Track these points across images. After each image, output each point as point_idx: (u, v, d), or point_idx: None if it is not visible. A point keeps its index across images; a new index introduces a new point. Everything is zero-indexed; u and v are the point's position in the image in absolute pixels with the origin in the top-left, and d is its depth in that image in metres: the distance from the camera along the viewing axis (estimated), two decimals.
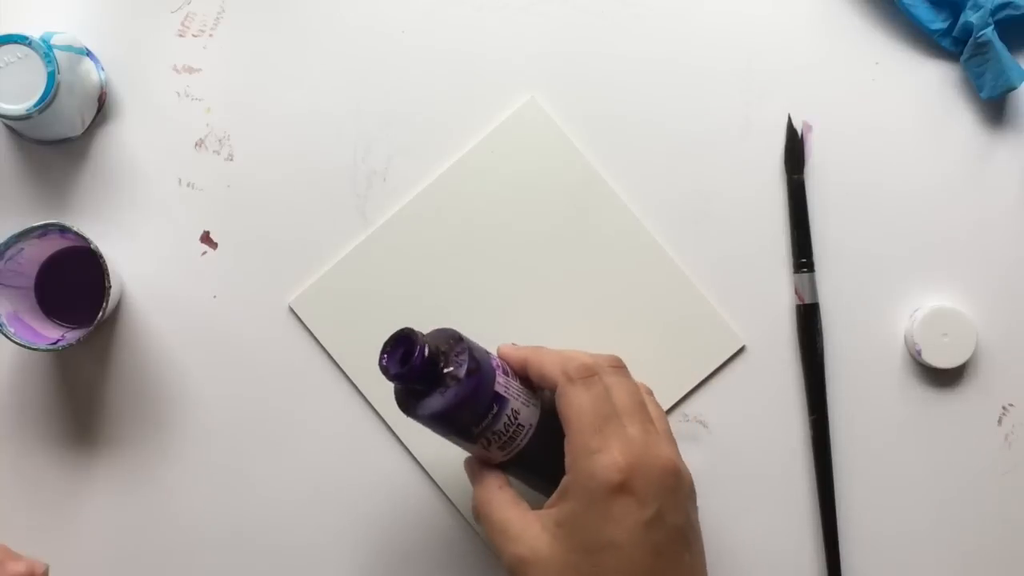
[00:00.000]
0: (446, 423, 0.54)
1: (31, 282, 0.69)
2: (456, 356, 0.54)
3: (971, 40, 0.71)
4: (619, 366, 0.56)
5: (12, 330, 0.64)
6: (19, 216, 0.72)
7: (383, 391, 0.71)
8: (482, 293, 0.72)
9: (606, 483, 0.48)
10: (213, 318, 0.72)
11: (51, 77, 0.65)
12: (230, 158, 0.73)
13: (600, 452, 0.49)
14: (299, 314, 0.72)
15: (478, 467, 0.58)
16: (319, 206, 0.73)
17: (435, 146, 0.73)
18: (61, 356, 0.72)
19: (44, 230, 0.64)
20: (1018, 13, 0.71)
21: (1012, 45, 0.72)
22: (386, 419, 0.71)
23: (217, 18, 0.74)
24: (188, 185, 0.73)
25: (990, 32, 0.70)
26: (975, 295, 0.73)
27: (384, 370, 0.54)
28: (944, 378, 0.72)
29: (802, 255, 0.72)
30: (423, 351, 0.52)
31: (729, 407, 0.72)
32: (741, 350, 0.72)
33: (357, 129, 0.73)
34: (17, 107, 0.65)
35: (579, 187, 0.73)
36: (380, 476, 0.72)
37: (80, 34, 0.72)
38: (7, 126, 0.72)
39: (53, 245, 0.69)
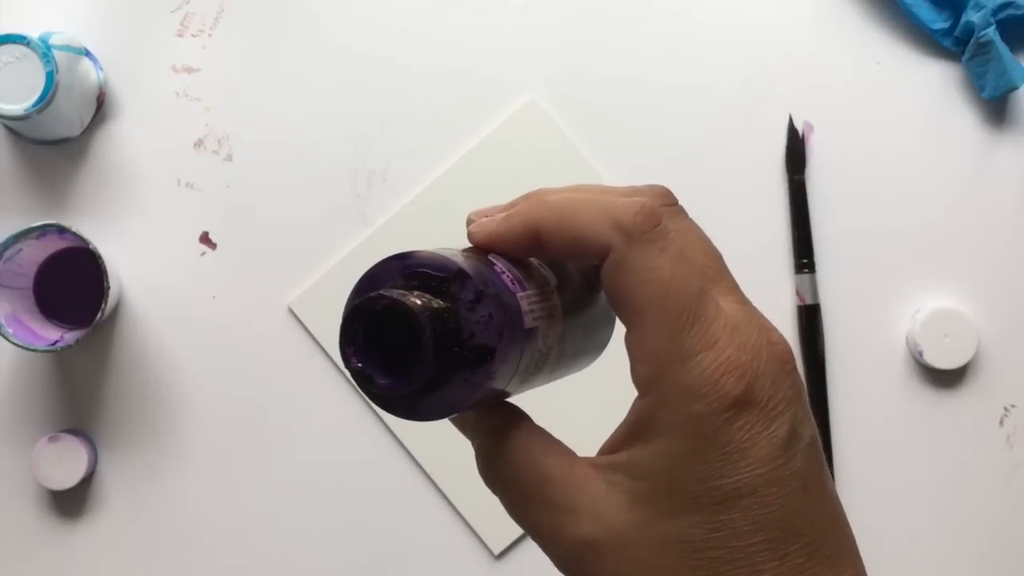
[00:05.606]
0: (470, 408, 0.33)
1: (30, 283, 0.69)
2: (468, 310, 0.32)
3: (973, 40, 0.71)
4: (673, 202, 0.36)
5: (11, 331, 0.64)
6: (18, 216, 0.71)
7: None
8: None
9: (722, 399, 0.30)
10: (212, 318, 0.72)
11: (49, 77, 0.64)
12: (229, 158, 0.73)
13: (705, 351, 0.31)
14: (298, 315, 0.72)
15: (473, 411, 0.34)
16: (319, 206, 0.73)
17: (435, 146, 0.73)
18: (60, 356, 0.72)
19: (43, 230, 0.64)
20: (1020, 13, 0.71)
21: (1014, 45, 0.71)
22: (385, 419, 0.71)
23: (216, 18, 0.73)
24: (187, 185, 0.73)
25: (992, 32, 0.70)
26: (977, 296, 0.72)
27: (365, 381, 0.30)
28: (945, 379, 0.72)
29: (803, 256, 0.72)
30: (435, 335, 0.30)
31: None
32: None
33: (357, 129, 0.73)
34: (16, 107, 0.64)
35: None
36: (379, 475, 0.71)
37: (79, 34, 0.72)
38: (6, 126, 0.72)
39: (52, 245, 0.69)
